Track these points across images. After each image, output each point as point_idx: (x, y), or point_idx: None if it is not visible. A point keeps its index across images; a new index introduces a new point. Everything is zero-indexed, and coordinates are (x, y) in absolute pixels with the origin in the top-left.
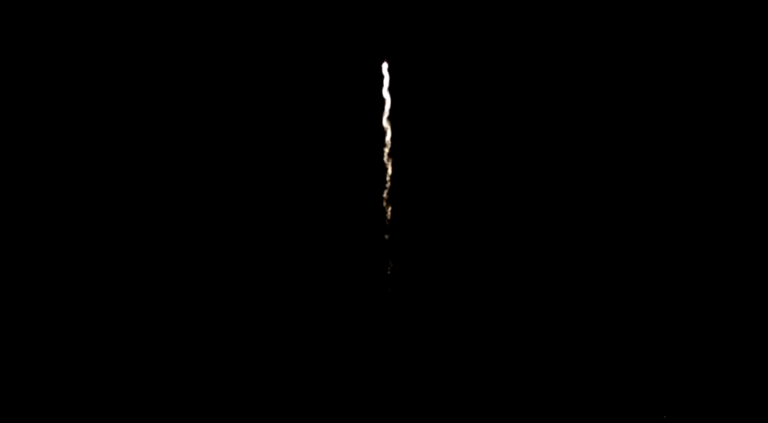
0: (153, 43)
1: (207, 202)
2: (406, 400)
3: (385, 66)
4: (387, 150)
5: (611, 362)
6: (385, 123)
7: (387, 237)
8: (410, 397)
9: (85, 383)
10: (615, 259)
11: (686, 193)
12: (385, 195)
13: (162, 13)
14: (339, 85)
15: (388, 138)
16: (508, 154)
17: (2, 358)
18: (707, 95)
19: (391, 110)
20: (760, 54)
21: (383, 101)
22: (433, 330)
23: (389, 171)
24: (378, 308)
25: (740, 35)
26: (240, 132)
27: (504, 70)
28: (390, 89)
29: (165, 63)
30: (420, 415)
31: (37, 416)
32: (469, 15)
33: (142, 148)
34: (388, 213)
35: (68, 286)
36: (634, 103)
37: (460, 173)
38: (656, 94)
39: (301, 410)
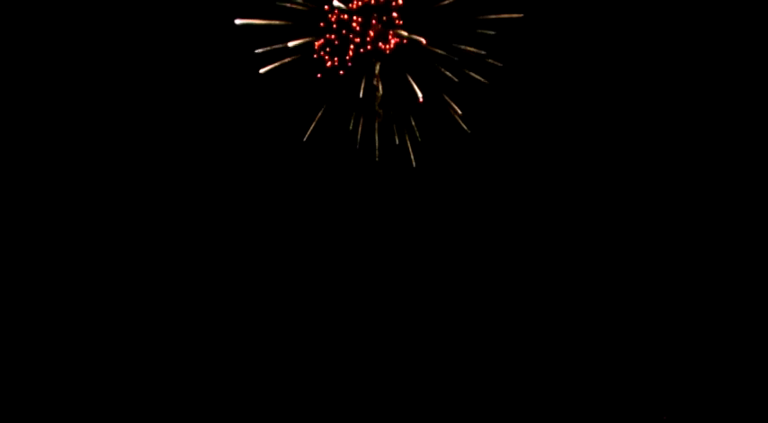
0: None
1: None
2: (405, 399)
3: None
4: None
5: (612, 362)
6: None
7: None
8: (409, 396)
9: (85, 383)
10: (615, 259)
11: (688, 195)
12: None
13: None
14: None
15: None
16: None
17: (1, 358)
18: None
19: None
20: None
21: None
22: (430, 330)
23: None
24: (372, 307)
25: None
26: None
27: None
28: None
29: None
30: (419, 414)
31: (37, 416)
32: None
33: (107, 158)
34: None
35: (62, 285)
36: (621, 104)
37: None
38: (656, 95)
39: (301, 410)
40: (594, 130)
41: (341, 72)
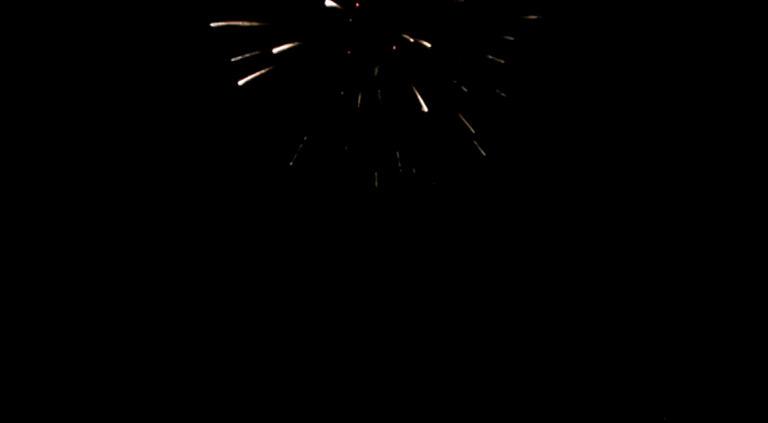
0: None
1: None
2: (405, 399)
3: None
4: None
5: (611, 362)
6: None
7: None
8: (409, 396)
9: (85, 383)
10: (616, 259)
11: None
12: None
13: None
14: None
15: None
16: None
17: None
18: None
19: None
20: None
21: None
22: (429, 330)
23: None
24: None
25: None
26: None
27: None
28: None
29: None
30: (419, 415)
31: (37, 416)
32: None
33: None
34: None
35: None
36: (618, 105)
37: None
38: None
39: (300, 410)
40: (638, 147)
41: (336, 78)
